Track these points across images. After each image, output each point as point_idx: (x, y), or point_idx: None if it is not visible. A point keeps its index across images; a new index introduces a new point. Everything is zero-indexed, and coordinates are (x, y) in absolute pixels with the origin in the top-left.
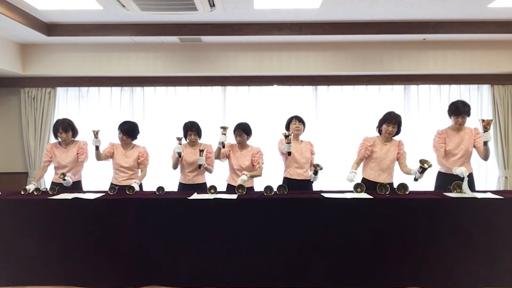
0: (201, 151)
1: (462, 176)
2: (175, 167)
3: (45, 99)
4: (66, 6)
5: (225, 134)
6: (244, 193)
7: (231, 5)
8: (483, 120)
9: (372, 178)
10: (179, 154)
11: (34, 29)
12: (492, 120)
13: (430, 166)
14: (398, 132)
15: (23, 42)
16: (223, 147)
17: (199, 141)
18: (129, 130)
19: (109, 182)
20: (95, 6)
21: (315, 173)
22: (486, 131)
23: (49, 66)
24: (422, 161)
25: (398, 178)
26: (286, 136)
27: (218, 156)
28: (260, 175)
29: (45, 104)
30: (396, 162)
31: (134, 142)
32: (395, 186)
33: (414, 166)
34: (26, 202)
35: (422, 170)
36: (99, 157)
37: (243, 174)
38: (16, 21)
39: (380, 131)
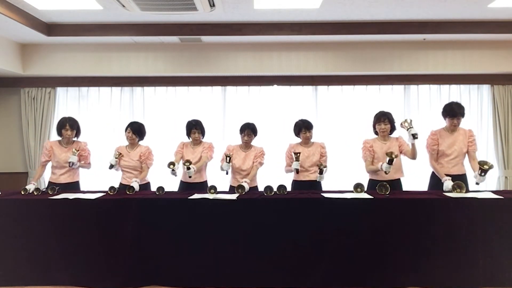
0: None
1: (447, 190)
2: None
3: (45, 99)
4: (66, 6)
5: (229, 162)
6: (244, 193)
7: (231, 5)
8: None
9: (379, 177)
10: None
11: (34, 29)
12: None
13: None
14: (393, 129)
15: (23, 42)
16: (227, 174)
17: (202, 140)
18: (138, 129)
19: (110, 182)
20: (95, 6)
21: (320, 172)
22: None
23: (49, 66)
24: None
25: (409, 175)
26: (296, 154)
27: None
28: (254, 174)
29: (45, 104)
30: (402, 157)
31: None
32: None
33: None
34: (26, 202)
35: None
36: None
37: (244, 181)
38: (16, 21)
39: (376, 132)
